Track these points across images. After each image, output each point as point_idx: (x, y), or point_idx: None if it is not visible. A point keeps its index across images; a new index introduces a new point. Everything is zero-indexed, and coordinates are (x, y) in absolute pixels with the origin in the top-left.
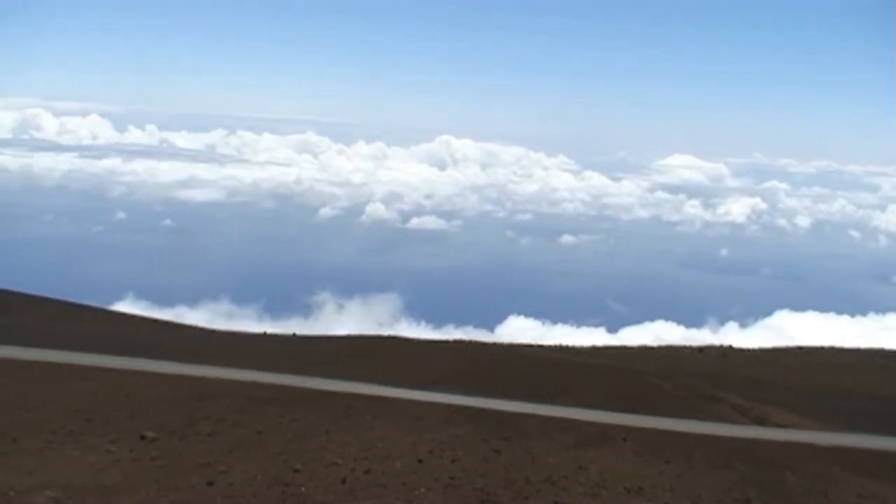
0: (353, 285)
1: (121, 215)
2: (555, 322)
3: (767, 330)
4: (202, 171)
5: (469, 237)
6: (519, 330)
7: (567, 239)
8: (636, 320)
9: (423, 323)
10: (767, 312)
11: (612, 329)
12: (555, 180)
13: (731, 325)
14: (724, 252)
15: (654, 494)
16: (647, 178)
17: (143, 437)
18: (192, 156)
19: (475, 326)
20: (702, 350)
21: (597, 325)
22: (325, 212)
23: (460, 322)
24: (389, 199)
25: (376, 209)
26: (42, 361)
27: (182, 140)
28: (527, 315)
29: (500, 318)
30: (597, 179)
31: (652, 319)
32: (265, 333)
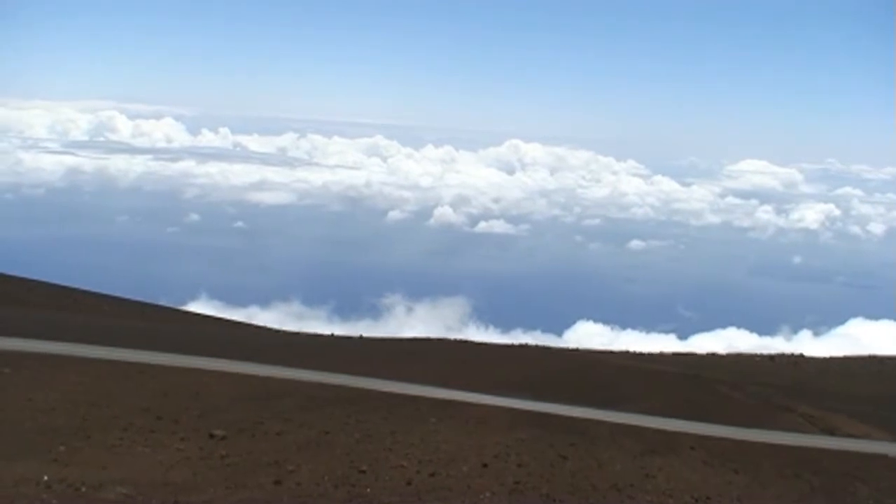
0: (421, 288)
1: (194, 217)
2: (624, 328)
3: (841, 339)
4: (273, 174)
5: (537, 241)
6: (587, 335)
7: (636, 244)
8: (708, 327)
9: (490, 327)
10: (841, 321)
11: (683, 336)
12: (624, 185)
13: (805, 334)
14: (797, 259)
15: None
16: (719, 184)
17: (212, 436)
18: (264, 159)
19: (543, 331)
20: (772, 358)
21: (667, 332)
22: (394, 215)
23: (528, 326)
24: (457, 202)
25: (444, 213)
26: (115, 360)
27: (254, 143)
28: (595, 320)
29: (569, 322)
30: (667, 184)
31: (724, 327)
32: (332, 335)
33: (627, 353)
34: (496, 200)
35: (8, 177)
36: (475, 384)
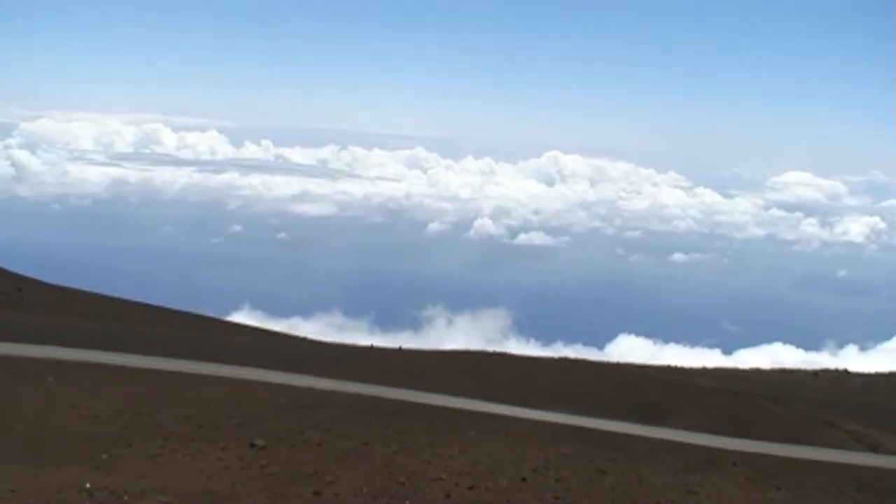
0: (461, 300)
1: (237, 228)
2: (667, 342)
3: (887, 354)
4: (315, 185)
5: (577, 254)
6: (630, 349)
7: (678, 257)
8: (752, 342)
9: (531, 340)
10: (887, 336)
11: (728, 351)
12: (665, 197)
13: (851, 349)
14: (842, 273)
15: None
16: (762, 196)
17: (252, 445)
18: (306, 171)
19: (584, 344)
20: (817, 374)
21: (711, 347)
22: (434, 227)
23: (569, 339)
24: (497, 214)
25: (484, 224)
26: (157, 369)
27: (296, 155)
28: (638, 334)
29: (610, 336)
30: (709, 196)
31: (769, 342)
32: (371, 346)
33: (669, 367)
34: (536, 212)
35: (55, 187)
36: (515, 397)
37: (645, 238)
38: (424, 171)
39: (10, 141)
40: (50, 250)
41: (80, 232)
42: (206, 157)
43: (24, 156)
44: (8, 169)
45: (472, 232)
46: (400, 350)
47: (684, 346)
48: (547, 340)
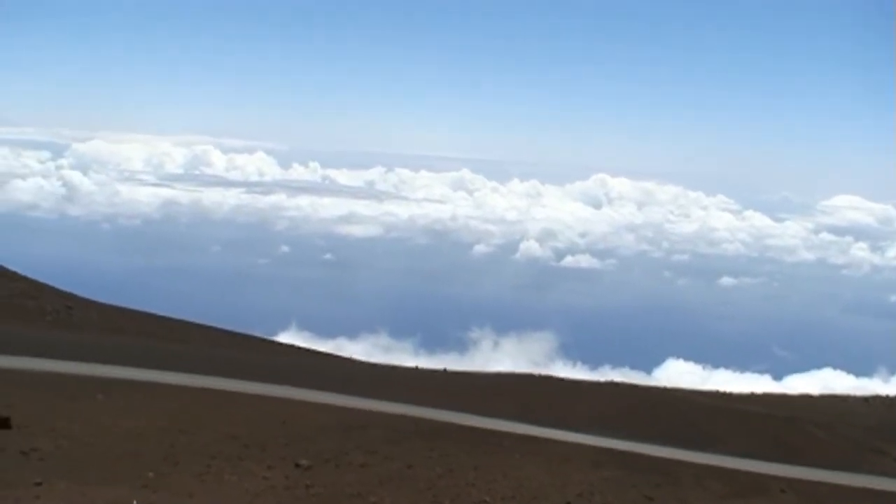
0: (507, 322)
1: (284, 248)
2: (716, 367)
3: None
4: (361, 207)
5: (624, 277)
6: (678, 373)
7: (727, 281)
8: (803, 368)
9: (578, 363)
10: None
11: (778, 376)
12: (714, 220)
13: None
14: (893, 297)
15: None
16: (812, 219)
17: (297, 465)
18: (353, 192)
19: (632, 368)
20: (867, 400)
21: (761, 372)
22: (480, 248)
23: (616, 363)
24: (543, 236)
25: (530, 247)
26: (205, 388)
27: (343, 177)
28: (686, 358)
29: (658, 360)
30: (758, 220)
31: (819, 367)
32: (416, 367)
33: (716, 392)
34: (582, 235)
35: (105, 207)
36: (560, 420)
37: (693, 261)
38: (470, 193)
39: (63, 161)
40: (100, 269)
41: (130, 252)
42: (254, 178)
43: (75, 176)
44: (60, 189)
45: (518, 254)
46: (444, 372)
47: (734, 371)
48: (594, 364)
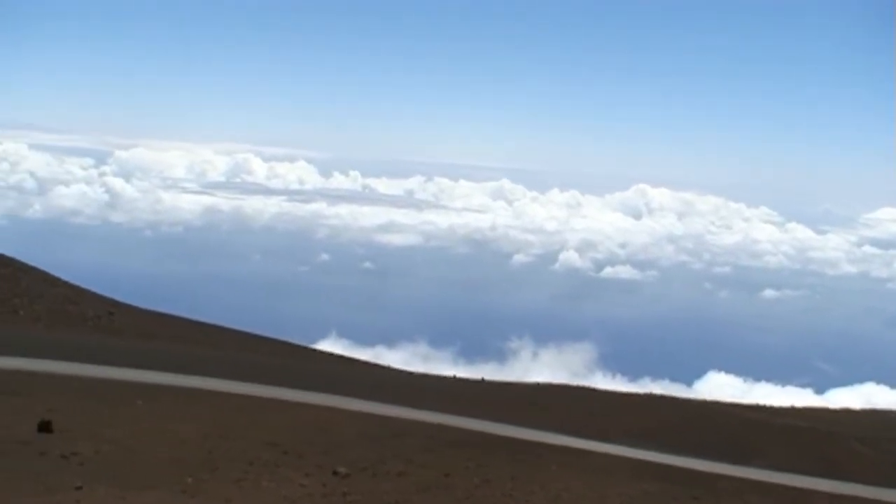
0: (546, 333)
1: (325, 257)
2: (758, 380)
3: None
4: (401, 216)
5: (664, 288)
6: (719, 386)
7: (769, 293)
8: (846, 382)
9: (618, 375)
10: None
11: (820, 390)
12: (756, 232)
13: None
14: None
15: None
16: (855, 232)
17: (335, 473)
18: (392, 201)
19: (672, 380)
20: None
21: (803, 386)
22: (519, 258)
23: (656, 375)
24: (583, 247)
25: (569, 257)
26: (244, 394)
27: (382, 186)
28: (727, 371)
29: (699, 372)
30: (801, 232)
31: (862, 381)
32: (454, 377)
33: (757, 405)
34: (622, 245)
35: (148, 215)
36: (598, 432)
37: (734, 273)
38: (510, 202)
39: (106, 168)
40: (142, 275)
41: (172, 258)
42: (294, 186)
43: (118, 183)
44: (103, 195)
45: (557, 264)
46: (482, 381)
47: (775, 384)
48: (633, 376)
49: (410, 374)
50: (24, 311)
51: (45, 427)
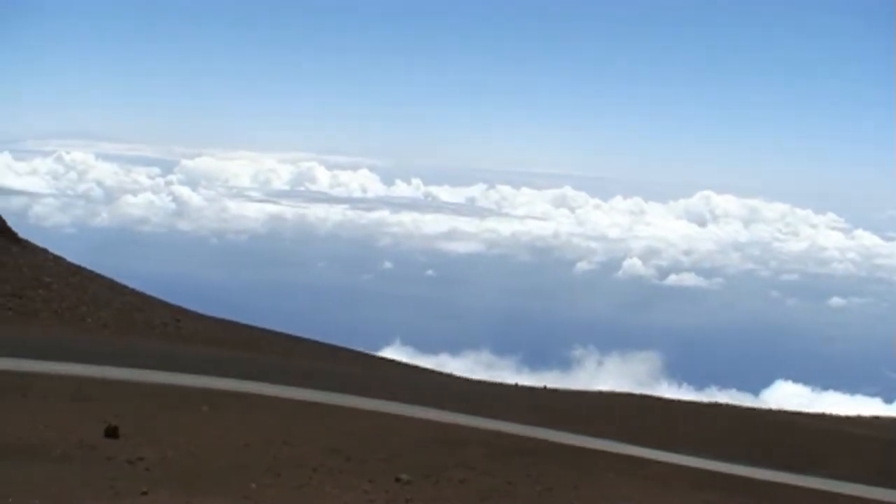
0: (610, 341)
1: (387, 265)
2: (825, 389)
3: None
4: (463, 223)
5: (730, 296)
6: (786, 395)
7: (836, 301)
8: None
9: (683, 384)
10: None
11: (889, 399)
12: (823, 239)
13: None
14: None
15: None
16: None
17: (398, 480)
18: (455, 209)
19: (739, 389)
20: None
21: (872, 395)
22: (582, 266)
23: (723, 384)
24: (647, 254)
25: (633, 265)
26: (308, 401)
27: (445, 193)
28: (795, 380)
29: (766, 381)
30: (868, 239)
31: None
32: (516, 385)
33: (822, 414)
34: (687, 253)
35: (214, 223)
36: (660, 441)
37: (802, 281)
38: (572, 210)
39: (172, 177)
40: (208, 283)
41: (237, 266)
42: (357, 194)
43: (184, 192)
44: (169, 204)
45: (620, 272)
46: (545, 389)
47: (843, 393)
48: (700, 385)
49: (473, 381)
50: (91, 318)
51: (111, 432)
